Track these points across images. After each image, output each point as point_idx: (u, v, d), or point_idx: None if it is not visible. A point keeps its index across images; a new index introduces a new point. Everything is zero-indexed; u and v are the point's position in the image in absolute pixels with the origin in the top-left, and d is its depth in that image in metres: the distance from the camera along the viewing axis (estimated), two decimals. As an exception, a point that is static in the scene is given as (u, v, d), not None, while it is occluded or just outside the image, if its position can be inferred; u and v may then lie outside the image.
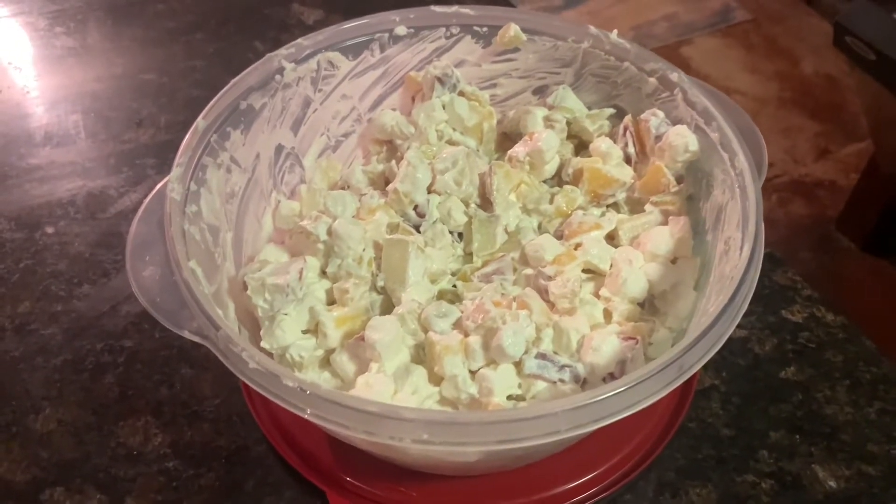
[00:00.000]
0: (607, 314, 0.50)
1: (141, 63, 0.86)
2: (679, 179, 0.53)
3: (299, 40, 0.56)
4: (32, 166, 0.74)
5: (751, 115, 0.52)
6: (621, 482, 0.51)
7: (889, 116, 1.17)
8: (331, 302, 0.51)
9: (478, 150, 0.59)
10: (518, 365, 0.45)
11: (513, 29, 0.57)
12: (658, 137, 0.53)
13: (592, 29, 0.57)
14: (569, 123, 0.58)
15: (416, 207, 0.53)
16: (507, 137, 0.61)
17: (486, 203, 0.55)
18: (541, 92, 0.61)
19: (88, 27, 0.91)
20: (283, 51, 0.55)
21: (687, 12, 2.01)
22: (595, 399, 0.37)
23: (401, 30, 0.58)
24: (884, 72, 1.05)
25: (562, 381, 0.45)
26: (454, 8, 0.58)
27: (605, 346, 0.45)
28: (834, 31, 1.07)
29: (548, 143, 0.55)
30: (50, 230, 0.68)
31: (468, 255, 0.54)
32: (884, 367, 0.58)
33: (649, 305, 0.51)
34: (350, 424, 0.37)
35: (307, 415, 0.38)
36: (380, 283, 0.51)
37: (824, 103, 1.78)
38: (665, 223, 0.52)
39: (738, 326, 0.53)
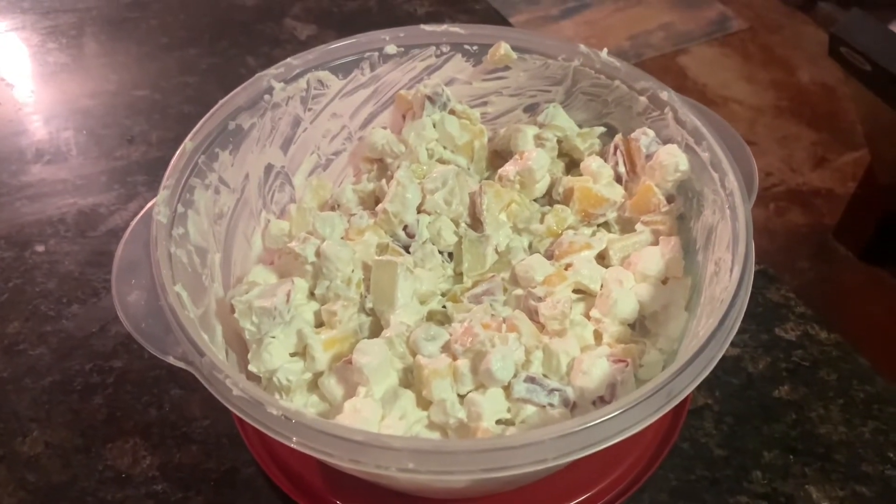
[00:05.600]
0: (598, 335, 0.49)
1: (134, 79, 0.85)
2: (670, 199, 0.53)
3: (289, 60, 0.56)
4: (23, 184, 0.74)
5: (748, 124, 0.52)
6: (613, 504, 0.51)
7: (885, 127, 1.17)
8: (319, 324, 0.50)
9: (469, 169, 0.59)
10: (507, 389, 0.45)
11: (503, 47, 0.57)
12: (648, 156, 0.53)
13: (582, 47, 0.56)
14: (559, 142, 0.58)
15: (405, 227, 0.53)
16: (499, 155, 0.61)
17: (476, 223, 0.55)
18: (531, 110, 0.61)
19: (82, 43, 0.90)
20: (272, 70, 0.55)
21: (683, 22, 2.01)
22: (582, 426, 0.36)
23: (391, 48, 0.58)
24: (879, 82, 1.05)
25: (551, 405, 0.44)
26: (444, 26, 0.58)
27: (596, 368, 0.45)
28: (829, 41, 1.06)
29: (538, 162, 0.55)
30: (40, 249, 0.68)
31: (458, 276, 0.54)
32: (878, 385, 0.58)
33: (640, 326, 0.50)
34: (335, 453, 0.37)
35: (292, 443, 0.37)
36: (368, 305, 0.50)
37: (821, 112, 1.78)
38: (656, 243, 0.52)
39: (731, 345, 0.53)
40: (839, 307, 1.35)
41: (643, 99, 0.55)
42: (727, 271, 0.44)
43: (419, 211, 0.54)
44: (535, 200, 0.57)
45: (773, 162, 1.66)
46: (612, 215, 0.54)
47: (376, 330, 0.50)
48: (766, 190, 1.61)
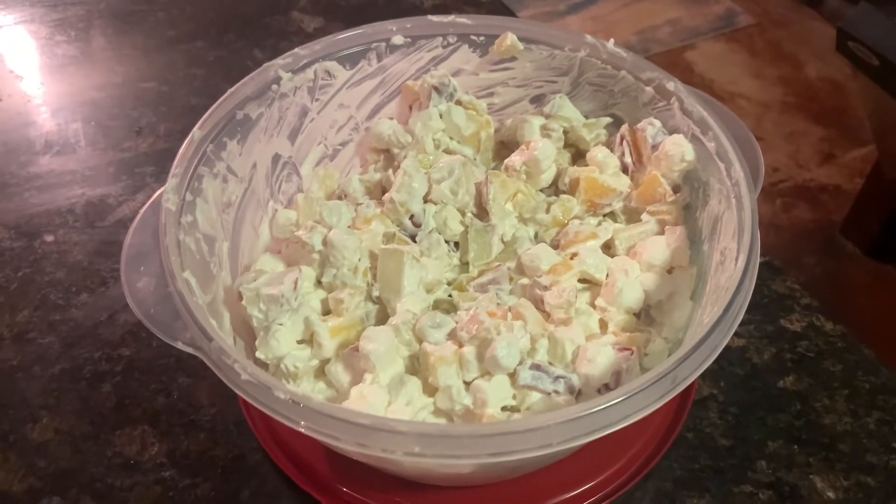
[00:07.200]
0: (603, 324, 0.49)
1: (141, 71, 0.86)
2: (675, 189, 0.53)
3: (296, 50, 0.56)
4: (32, 175, 0.75)
5: (755, 119, 0.52)
6: (618, 493, 0.51)
7: (893, 122, 1.16)
8: (326, 312, 0.51)
9: (475, 159, 0.59)
10: (512, 376, 0.45)
11: (509, 38, 0.57)
12: (655, 147, 0.53)
13: (589, 38, 0.57)
14: (566, 132, 0.58)
15: (412, 217, 0.54)
16: (505, 146, 0.61)
17: (482, 212, 0.55)
18: (538, 101, 0.61)
19: (90, 36, 0.91)
20: (279, 60, 0.55)
21: (690, 17, 2.01)
22: (587, 412, 0.37)
23: (398, 39, 0.58)
24: (887, 77, 1.04)
25: (556, 392, 0.44)
26: (451, 17, 0.58)
27: (601, 356, 0.45)
28: (837, 36, 1.06)
29: (544, 152, 0.55)
30: (49, 239, 0.68)
31: (464, 265, 0.54)
32: (882, 376, 0.58)
33: (645, 315, 0.51)
34: (342, 437, 0.37)
35: (300, 427, 0.38)
36: (375, 293, 0.51)
37: (829, 107, 1.77)
38: (661, 233, 0.52)
39: (736, 335, 0.53)
40: (845, 302, 1.34)
41: (649, 89, 0.55)
42: (732, 260, 0.44)
43: (425, 200, 0.54)
44: (541, 190, 0.57)
45: (780, 158, 1.66)
46: (618, 205, 0.55)
47: (383, 318, 0.51)
48: (773, 186, 1.60)
